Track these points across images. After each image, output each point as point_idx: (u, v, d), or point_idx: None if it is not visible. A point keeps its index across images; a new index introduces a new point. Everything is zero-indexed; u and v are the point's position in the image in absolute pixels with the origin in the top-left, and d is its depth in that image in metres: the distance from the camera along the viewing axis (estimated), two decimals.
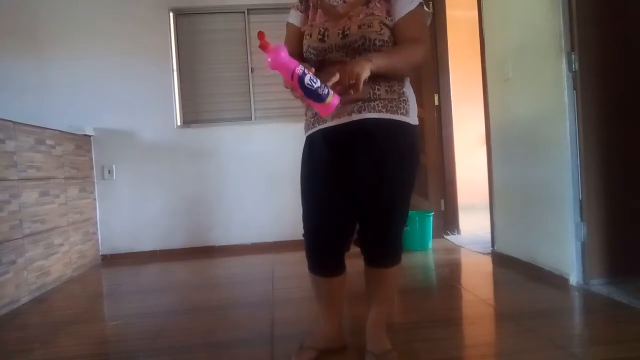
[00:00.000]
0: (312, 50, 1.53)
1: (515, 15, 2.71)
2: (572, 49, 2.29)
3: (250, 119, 4.08)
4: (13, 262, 2.54)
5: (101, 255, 3.85)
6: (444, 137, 4.05)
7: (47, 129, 3.05)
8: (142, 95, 3.90)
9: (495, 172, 3.06)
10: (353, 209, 1.57)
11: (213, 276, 3.22)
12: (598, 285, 2.26)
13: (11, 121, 2.62)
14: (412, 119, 1.55)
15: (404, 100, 1.53)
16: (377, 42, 1.46)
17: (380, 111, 1.47)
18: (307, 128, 1.64)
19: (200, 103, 4.07)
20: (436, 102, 4.01)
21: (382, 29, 1.47)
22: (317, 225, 1.60)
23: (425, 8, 1.56)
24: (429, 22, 1.62)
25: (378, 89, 1.48)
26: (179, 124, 4.00)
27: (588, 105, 2.28)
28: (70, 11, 3.83)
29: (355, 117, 1.48)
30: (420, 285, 2.73)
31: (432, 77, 3.99)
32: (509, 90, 2.82)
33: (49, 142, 3.07)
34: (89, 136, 3.79)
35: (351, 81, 1.29)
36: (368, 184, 1.52)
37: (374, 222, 1.57)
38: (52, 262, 2.98)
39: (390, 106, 1.49)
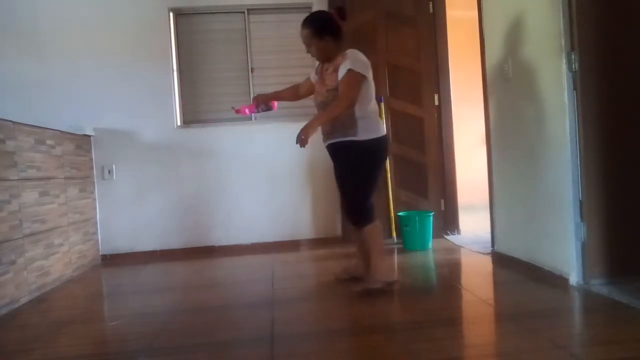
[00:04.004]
0: (314, 105, 2.63)
1: (515, 15, 2.71)
2: (572, 49, 2.29)
3: (250, 119, 4.08)
4: (13, 262, 2.54)
5: (101, 255, 3.85)
6: (444, 137, 4.05)
7: (47, 129, 3.05)
8: (142, 95, 3.90)
9: (495, 172, 3.06)
10: None
11: (213, 276, 3.22)
12: (598, 285, 2.26)
13: (11, 121, 2.62)
14: (361, 136, 2.43)
15: (354, 126, 2.42)
16: (327, 101, 2.45)
17: (337, 138, 2.47)
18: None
19: (200, 103, 4.07)
20: (436, 102, 4.00)
21: (328, 93, 2.46)
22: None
23: (355, 68, 2.37)
24: (363, 71, 2.41)
25: (338, 126, 2.45)
26: (179, 124, 4.00)
27: (588, 105, 2.28)
28: (71, 11, 3.83)
29: (328, 142, 2.55)
30: (420, 285, 2.73)
31: (432, 77, 3.99)
32: (509, 90, 2.82)
33: (49, 142, 3.07)
34: (89, 136, 3.79)
35: (302, 137, 2.31)
36: (337, 177, 2.61)
37: (343, 199, 2.66)
38: (52, 262, 2.98)
39: (344, 133, 2.44)
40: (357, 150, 2.45)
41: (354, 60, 2.39)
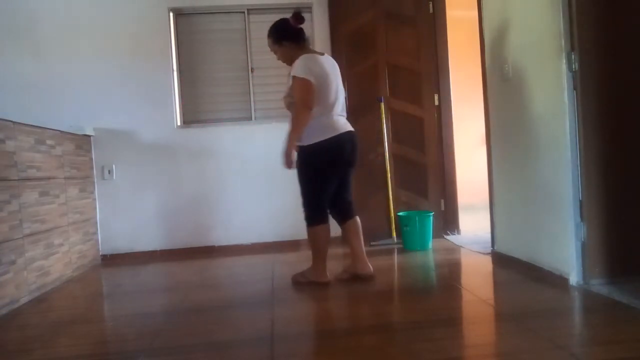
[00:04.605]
0: None
1: (515, 15, 2.71)
2: (572, 49, 2.29)
3: (250, 119, 4.08)
4: (13, 262, 2.54)
5: (101, 255, 3.85)
6: (444, 137, 4.05)
7: (47, 129, 3.05)
8: (142, 95, 3.90)
9: (495, 172, 3.06)
10: None
11: (213, 276, 3.22)
12: (598, 285, 2.26)
13: (11, 121, 2.62)
14: (305, 141, 2.53)
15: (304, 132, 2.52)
16: (287, 107, 2.66)
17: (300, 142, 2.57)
18: None
19: (200, 103, 4.07)
20: (436, 102, 4.00)
21: (284, 100, 2.67)
22: None
23: (297, 74, 2.49)
24: (305, 75, 2.49)
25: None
26: (179, 124, 4.00)
27: (588, 105, 2.28)
28: (70, 11, 3.83)
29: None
30: (420, 285, 2.73)
31: (432, 77, 3.99)
32: (509, 90, 2.82)
33: (49, 142, 3.07)
34: (89, 136, 3.79)
35: (286, 159, 2.49)
36: None
37: None
38: (52, 262, 2.98)
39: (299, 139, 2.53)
40: (302, 155, 2.55)
41: (295, 66, 2.52)
